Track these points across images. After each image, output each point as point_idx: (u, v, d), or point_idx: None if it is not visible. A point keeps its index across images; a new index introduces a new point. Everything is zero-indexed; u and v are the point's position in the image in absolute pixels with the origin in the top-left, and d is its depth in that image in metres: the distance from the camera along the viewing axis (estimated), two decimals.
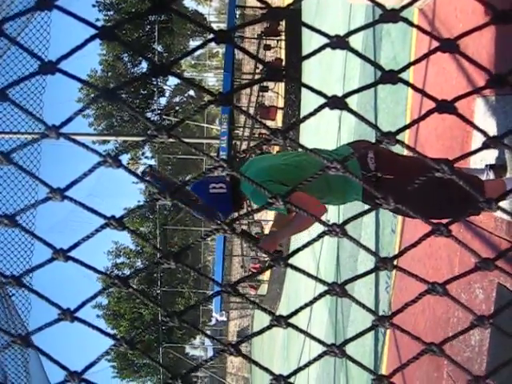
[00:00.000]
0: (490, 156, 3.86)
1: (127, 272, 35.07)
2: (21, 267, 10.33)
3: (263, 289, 27.06)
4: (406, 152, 4.94)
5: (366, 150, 3.26)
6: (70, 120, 0.83)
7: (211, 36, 0.84)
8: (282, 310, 21.01)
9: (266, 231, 26.64)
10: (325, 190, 3.23)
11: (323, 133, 11.76)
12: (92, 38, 0.82)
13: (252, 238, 3.48)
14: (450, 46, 0.80)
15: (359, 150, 3.36)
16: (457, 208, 3.22)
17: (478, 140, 4.07)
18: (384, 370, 6.32)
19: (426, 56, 0.84)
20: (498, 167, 3.75)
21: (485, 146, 0.80)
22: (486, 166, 3.79)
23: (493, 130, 3.84)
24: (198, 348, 47.52)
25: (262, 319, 29.54)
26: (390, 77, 0.81)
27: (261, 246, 3.26)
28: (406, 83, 0.85)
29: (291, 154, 3.45)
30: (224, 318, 35.84)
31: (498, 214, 3.66)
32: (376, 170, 3.17)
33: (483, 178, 3.76)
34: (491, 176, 3.75)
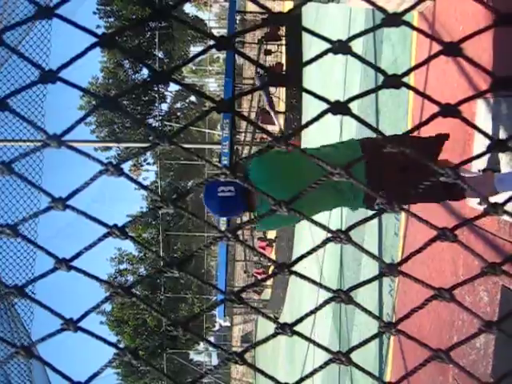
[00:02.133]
0: (483, 160, 3.83)
1: (130, 278, 35.10)
2: (23, 276, 10.32)
3: (267, 293, 27.02)
4: None
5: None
6: (71, 129, 0.83)
7: (212, 43, 0.84)
8: (286, 314, 20.97)
9: (269, 236, 26.60)
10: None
11: (324, 136, 11.76)
12: (92, 47, 0.82)
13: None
14: (452, 49, 0.79)
15: (369, 151, 3.37)
16: (440, 192, 3.27)
17: (479, 142, 4.06)
18: (389, 374, 6.30)
19: (428, 60, 0.84)
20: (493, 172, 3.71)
21: (490, 150, 0.79)
22: (479, 171, 3.76)
23: (495, 132, 3.83)
24: (203, 354, 47.44)
25: (266, 324, 29.49)
26: (393, 81, 0.81)
27: None
28: (410, 87, 0.85)
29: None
30: (228, 324, 35.80)
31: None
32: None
33: None
34: None
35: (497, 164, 3.71)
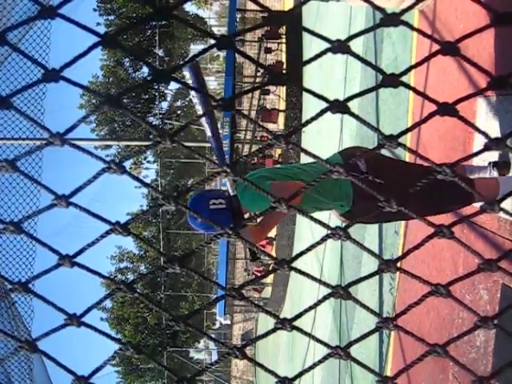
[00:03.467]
0: (494, 153, 3.85)
1: (131, 277, 35.10)
2: (23, 274, 10.31)
3: (267, 291, 27.05)
4: (407, 154, 4.94)
5: (356, 158, 3.36)
6: (74, 127, 0.84)
7: (213, 42, 0.85)
8: (287, 311, 20.99)
9: (270, 234, 26.63)
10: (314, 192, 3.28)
11: (325, 135, 11.76)
12: (95, 46, 0.83)
13: (254, 256, 3.49)
14: (450, 48, 0.80)
15: (349, 159, 3.40)
16: (446, 202, 3.29)
17: (480, 140, 4.07)
18: (389, 371, 6.31)
19: (426, 59, 0.85)
20: (502, 164, 3.74)
21: (486, 148, 0.80)
22: (490, 163, 3.78)
23: (495, 131, 3.84)
24: (203, 351, 47.48)
25: (266, 322, 29.51)
26: (392, 80, 0.81)
27: (249, 235, 3.27)
28: (408, 86, 0.86)
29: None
30: (228, 322, 35.77)
31: (502, 214, 3.64)
32: (367, 172, 3.21)
33: (486, 175, 3.77)
34: (494, 174, 3.74)
35: (508, 159, 3.73)
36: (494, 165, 3.75)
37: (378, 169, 3.27)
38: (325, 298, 0.86)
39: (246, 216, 3.54)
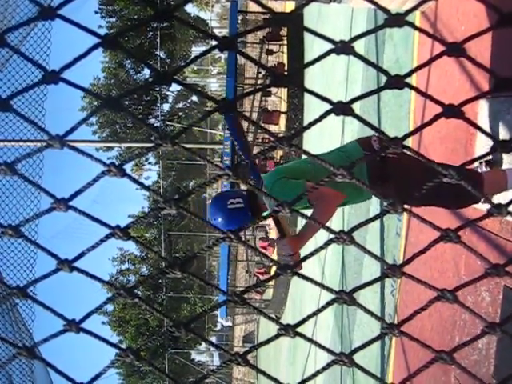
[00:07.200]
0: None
1: (132, 278, 35.15)
2: (24, 276, 10.30)
3: (268, 293, 27.02)
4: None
5: (370, 137, 3.37)
6: (73, 130, 0.83)
7: (215, 43, 0.84)
8: (288, 314, 20.97)
9: (271, 236, 26.60)
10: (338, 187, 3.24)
11: (327, 136, 11.75)
12: (95, 47, 0.82)
13: (280, 229, 3.38)
14: (456, 49, 0.79)
15: (367, 146, 3.40)
16: (458, 197, 3.25)
17: (481, 142, 4.06)
18: (391, 374, 6.29)
19: (431, 60, 0.84)
20: (493, 163, 3.73)
21: (493, 150, 0.79)
22: (481, 162, 3.77)
23: (497, 132, 3.83)
24: (204, 353, 47.46)
25: (267, 324, 29.48)
26: (396, 81, 0.80)
27: (287, 244, 3.19)
28: (413, 88, 0.85)
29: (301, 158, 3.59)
30: (229, 323, 35.81)
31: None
32: (380, 149, 3.19)
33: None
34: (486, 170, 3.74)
35: (500, 157, 3.72)
36: (486, 163, 3.75)
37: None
38: (328, 303, 0.85)
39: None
